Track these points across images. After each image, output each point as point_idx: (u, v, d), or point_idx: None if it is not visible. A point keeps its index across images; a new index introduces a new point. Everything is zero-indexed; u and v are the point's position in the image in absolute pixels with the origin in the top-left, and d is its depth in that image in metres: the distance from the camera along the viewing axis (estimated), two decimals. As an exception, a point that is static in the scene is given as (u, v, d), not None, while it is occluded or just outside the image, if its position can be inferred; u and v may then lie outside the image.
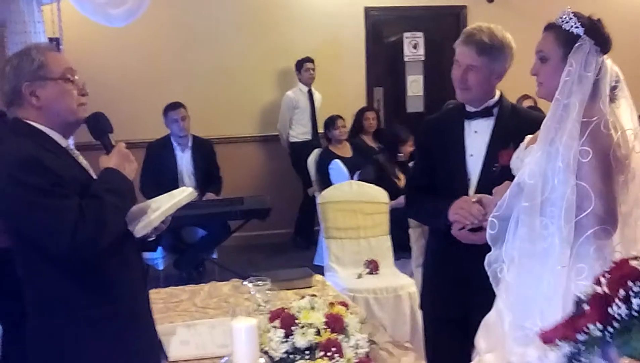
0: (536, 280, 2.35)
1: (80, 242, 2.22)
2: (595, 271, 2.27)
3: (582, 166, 2.28)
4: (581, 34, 2.37)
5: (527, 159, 2.44)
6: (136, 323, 2.53)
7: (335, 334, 2.49)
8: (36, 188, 2.23)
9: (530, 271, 2.37)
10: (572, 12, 2.42)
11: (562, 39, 2.41)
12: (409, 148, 6.36)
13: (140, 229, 2.46)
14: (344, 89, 8.45)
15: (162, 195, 2.60)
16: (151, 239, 2.62)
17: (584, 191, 2.27)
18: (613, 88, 2.39)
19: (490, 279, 2.48)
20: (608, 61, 2.39)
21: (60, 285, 2.36)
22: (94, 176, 2.47)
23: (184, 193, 2.59)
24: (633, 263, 1.68)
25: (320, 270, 4.80)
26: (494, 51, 2.96)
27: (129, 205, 2.44)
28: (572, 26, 2.39)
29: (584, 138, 2.28)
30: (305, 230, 8.06)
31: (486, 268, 2.48)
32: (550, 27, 2.47)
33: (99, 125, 2.52)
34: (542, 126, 2.40)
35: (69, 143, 2.54)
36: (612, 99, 2.39)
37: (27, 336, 2.42)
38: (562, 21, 2.42)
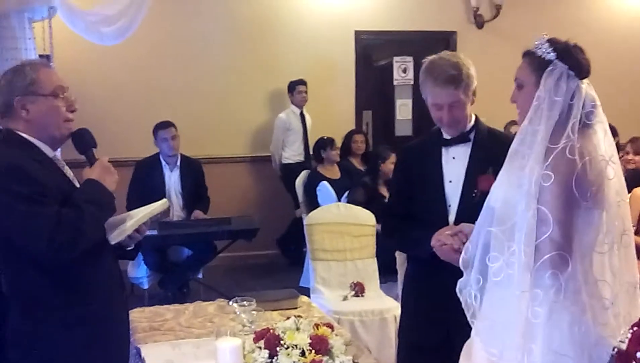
0: (501, 306, 2.35)
1: (57, 246, 2.36)
2: (550, 298, 2.29)
3: (543, 190, 2.27)
4: (553, 59, 2.36)
5: (495, 184, 2.44)
6: (112, 327, 2.65)
7: (320, 355, 2.49)
8: (17, 194, 2.37)
9: (497, 297, 2.36)
10: (547, 38, 2.42)
11: (535, 65, 2.41)
12: (390, 165, 6.40)
13: (115, 236, 2.60)
14: (334, 112, 8.49)
15: (140, 208, 2.73)
16: (130, 248, 2.76)
17: (543, 215, 2.26)
18: (589, 113, 2.36)
19: (463, 305, 2.47)
20: (584, 85, 2.37)
21: (40, 287, 2.49)
22: (78, 187, 2.59)
23: (158, 203, 2.74)
24: None
25: (306, 292, 4.79)
26: (465, 81, 2.97)
27: (107, 214, 2.58)
28: (544, 52, 2.39)
29: (547, 163, 2.27)
30: (289, 250, 8.06)
31: (458, 294, 2.47)
32: (526, 54, 2.47)
33: (84, 140, 2.67)
34: (509, 151, 2.39)
35: (56, 154, 2.66)
36: (587, 125, 2.36)
37: (7, 336, 2.53)
38: (536, 47, 2.42)
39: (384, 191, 6.36)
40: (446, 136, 3.08)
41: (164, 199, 2.79)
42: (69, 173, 2.63)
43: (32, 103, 2.52)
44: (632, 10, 9.28)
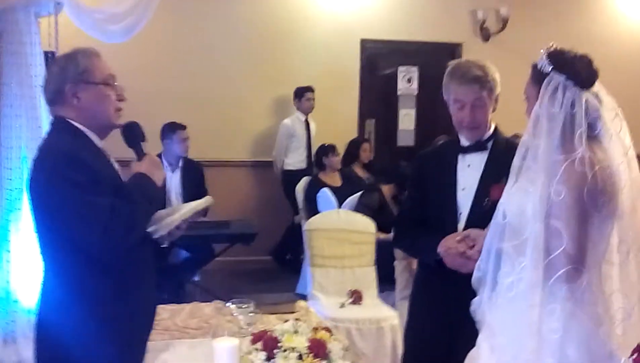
0: (513, 322, 2.32)
1: (110, 239, 2.34)
2: (567, 312, 2.27)
3: (555, 204, 2.24)
4: (549, 71, 2.34)
5: (502, 200, 2.41)
6: (143, 322, 2.64)
7: (318, 359, 2.46)
8: (75, 183, 2.34)
9: (510, 313, 2.34)
10: (549, 50, 2.39)
11: (536, 78, 2.39)
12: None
13: (161, 228, 2.54)
14: (337, 119, 8.47)
15: (182, 205, 2.71)
16: (164, 246, 2.70)
17: (556, 229, 2.23)
18: (592, 123, 2.32)
19: (478, 325, 2.45)
20: (587, 94, 2.32)
21: (85, 279, 2.43)
22: (123, 179, 2.58)
23: (202, 199, 2.72)
24: None
25: (302, 299, 4.76)
26: (490, 83, 2.99)
27: (156, 209, 2.56)
28: (542, 64, 2.37)
29: (558, 176, 2.24)
30: (283, 259, 8.05)
31: (472, 314, 2.45)
32: (532, 67, 2.45)
33: (135, 133, 2.68)
34: (512, 166, 2.37)
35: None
36: (593, 134, 2.33)
37: (38, 323, 2.51)
38: (539, 60, 2.40)
39: (392, 206, 6.36)
40: (463, 143, 3.07)
41: (208, 196, 2.76)
42: (115, 164, 2.61)
43: (84, 91, 2.51)
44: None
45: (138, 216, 2.44)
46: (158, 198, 2.60)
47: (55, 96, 2.55)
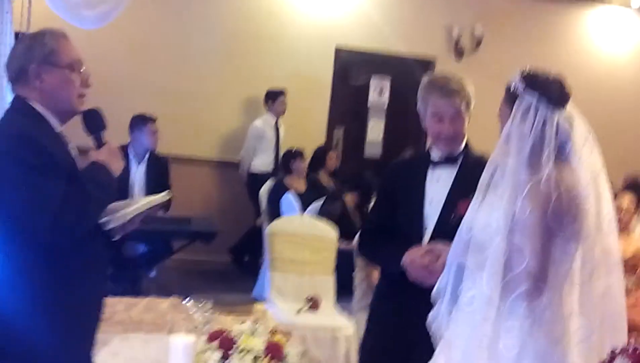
0: (469, 335, 2.33)
1: (60, 226, 2.28)
2: (525, 329, 2.28)
3: (519, 222, 2.26)
4: (522, 91, 2.36)
5: (467, 217, 2.42)
6: (91, 315, 2.56)
7: (274, 362, 2.44)
8: (28, 165, 2.27)
9: (467, 326, 2.35)
10: (524, 70, 2.41)
11: (509, 98, 2.41)
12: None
13: (114, 220, 2.48)
14: (306, 125, 8.45)
15: (139, 198, 2.68)
16: (115, 238, 2.61)
17: (518, 247, 2.25)
18: (562, 144, 2.35)
19: (433, 337, 2.46)
20: (558, 115, 2.34)
21: (31, 265, 2.36)
22: (80, 166, 2.51)
23: (159, 195, 2.67)
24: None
25: (259, 302, 4.73)
26: (467, 96, 3.01)
27: (111, 200, 2.50)
28: (515, 84, 2.39)
29: (523, 194, 2.26)
30: (241, 259, 8.01)
31: (428, 327, 2.46)
32: (505, 89, 2.47)
33: (95, 120, 2.59)
34: (480, 182, 2.39)
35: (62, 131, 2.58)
36: (562, 155, 2.35)
37: None
38: (512, 80, 2.42)
39: (355, 215, 6.36)
40: (434, 156, 3.08)
41: (166, 192, 2.72)
42: (73, 150, 2.54)
43: (48, 73, 2.45)
44: (612, 54, 9.48)
45: (91, 205, 2.38)
46: (114, 189, 2.53)
47: (17, 75, 2.48)
